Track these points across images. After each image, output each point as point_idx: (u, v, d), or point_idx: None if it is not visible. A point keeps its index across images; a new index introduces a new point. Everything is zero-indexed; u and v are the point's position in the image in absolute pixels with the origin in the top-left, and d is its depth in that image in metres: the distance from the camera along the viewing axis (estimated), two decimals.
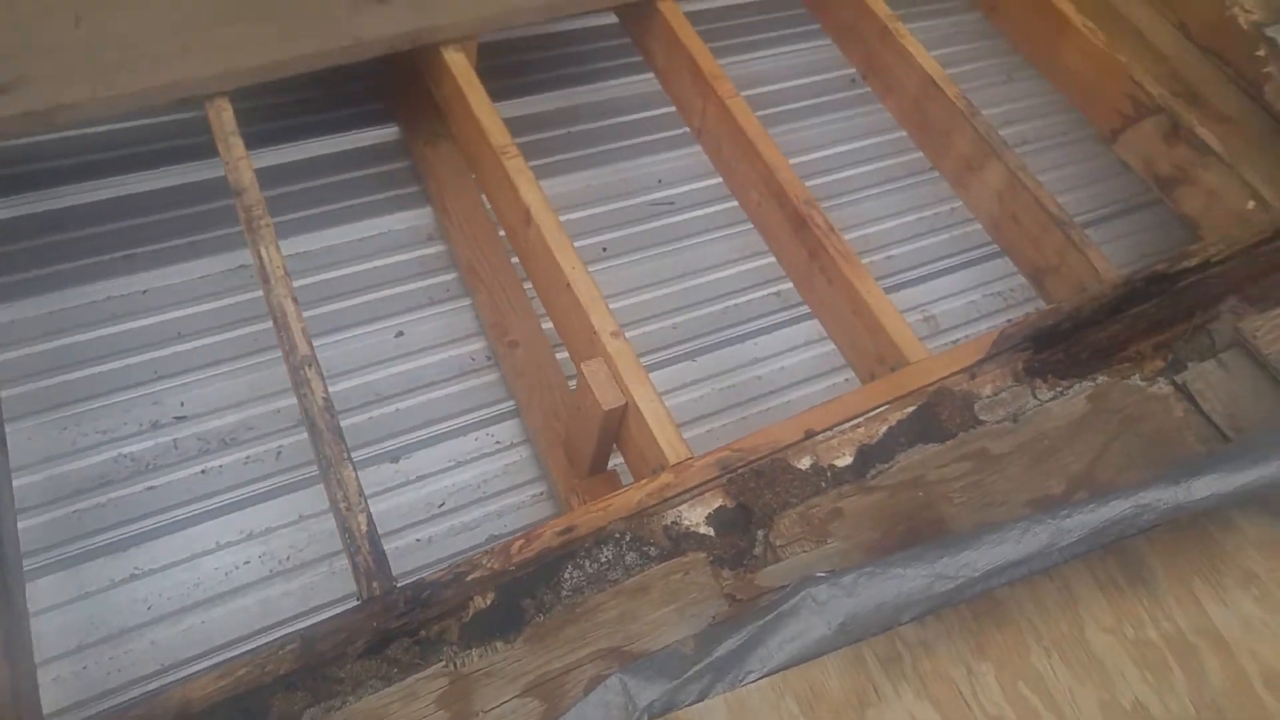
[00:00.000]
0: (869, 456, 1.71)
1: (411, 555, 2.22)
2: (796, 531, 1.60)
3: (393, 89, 2.82)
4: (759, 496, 1.64)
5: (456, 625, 1.47)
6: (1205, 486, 1.47)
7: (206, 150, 2.15)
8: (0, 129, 1.96)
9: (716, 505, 1.63)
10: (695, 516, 1.62)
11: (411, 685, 1.41)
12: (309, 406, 1.71)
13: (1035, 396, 1.81)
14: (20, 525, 1.93)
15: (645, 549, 1.57)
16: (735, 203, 2.44)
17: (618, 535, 1.58)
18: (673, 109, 2.61)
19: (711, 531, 1.60)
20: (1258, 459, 1.49)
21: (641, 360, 1.91)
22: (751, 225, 2.40)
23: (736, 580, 1.55)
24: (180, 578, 2.10)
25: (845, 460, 1.70)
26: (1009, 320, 1.91)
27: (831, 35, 2.77)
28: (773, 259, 2.35)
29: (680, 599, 1.52)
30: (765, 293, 2.82)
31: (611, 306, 1.95)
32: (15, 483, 1.96)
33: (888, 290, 2.33)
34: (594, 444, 1.97)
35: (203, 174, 2.58)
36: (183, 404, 2.29)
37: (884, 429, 1.75)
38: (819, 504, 1.64)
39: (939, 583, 1.40)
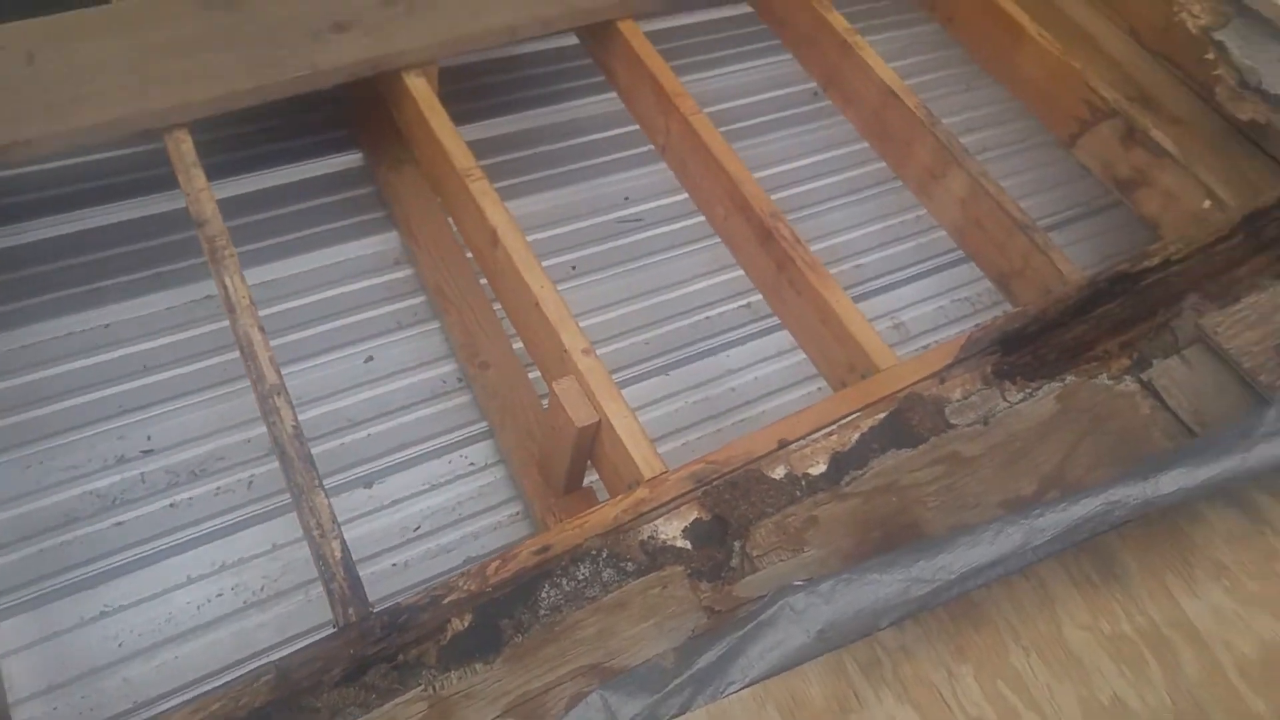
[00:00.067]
0: (842, 464, 1.71)
1: (388, 580, 2.20)
2: (773, 541, 1.60)
3: (355, 115, 2.82)
4: (734, 508, 1.64)
5: (434, 648, 1.46)
6: (1172, 481, 1.49)
7: (169, 182, 2.14)
8: None
9: (692, 518, 1.63)
10: (671, 530, 1.61)
11: (390, 711, 1.39)
12: (279, 435, 1.70)
13: (1005, 399, 1.82)
14: None
15: (622, 565, 1.57)
16: (703, 217, 2.45)
17: (594, 552, 1.57)
18: (637, 127, 2.62)
19: (688, 545, 1.60)
20: (1221, 452, 1.51)
21: (614, 376, 1.91)
22: (720, 239, 2.41)
23: (714, 592, 1.55)
24: (151, 613, 2.07)
25: (819, 468, 1.71)
26: (977, 325, 1.93)
27: (791, 50, 2.80)
28: (742, 272, 2.36)
29: (659, 613, 1.51)
30: (736, 305, 2.83)
31: (583, 324, 1.95)
32: None
33: (857, 299, 2.35)
34: (568, 462, 1.96)
35: (165, 206, 2.56)
36: (149, 437, 2.27)
37: (856, 436, 1.75)
38: (794, 513, 1.64)
39: (915, 587, 1.41)
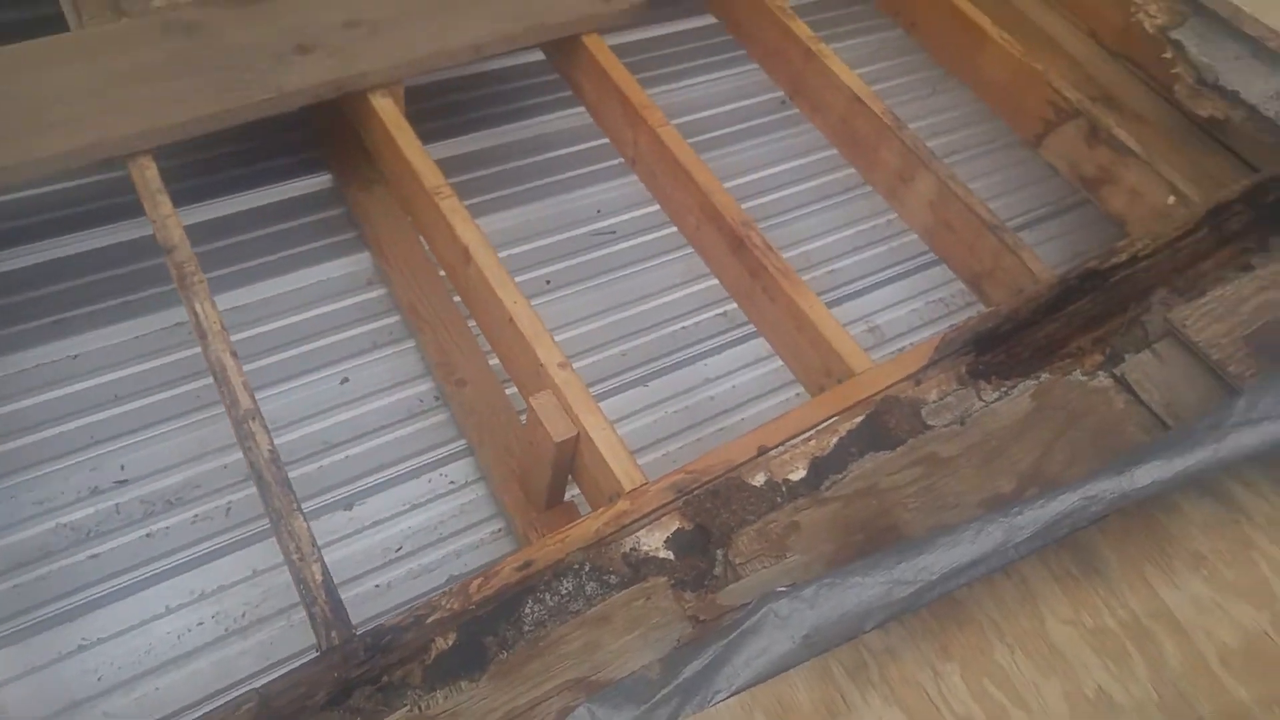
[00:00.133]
0: (822, 469, 1.72)
1: (371, 602, 2.18)
2: (755, 548, 1.60)
3: (323, 137, 2.80)
4: (716, 516, 1.64)
5: (419, 668, 1.44)
6: (1147, 474, 1.50)
7: (135, 209, 2.12)
8: None
9: (674, 528, 1.63)
10: (654, 541, 1.61)
11: None
12: (255, 460, 1.68)
13: (980, 398, 1.83)
14: None
15: (605, 578, 1.56)
16: (676, 228, 2.46)
17: (577, 566, 1.57)
18: (607, 140, 2.63)
19: (671, 555, 1.60)
20: (1194, 444, 1.53)
21: (593, 389, 1.91)
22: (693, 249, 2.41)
23: (698, 601, 1.54)
24: (131, 645, 2.04)
25: (799, 474, 1.71)
26: (951, 326, 1.94)
27: (757, 60, 2.82)
28: (717, 281, 2.37)
29: (643, 625, 1.51)
30: (712, 314, 2.84)
31: (559, 337, 1.95)
32: None
33: (831, 304, 2.36)
34: (548, 477, 1.96)
35: (132, 233, 2.53)
36: (123, 467, 2.24)
37: (835, 440, 1.76)
38: (776, 519, 1.64)
39: (898, 588, 1.41)
